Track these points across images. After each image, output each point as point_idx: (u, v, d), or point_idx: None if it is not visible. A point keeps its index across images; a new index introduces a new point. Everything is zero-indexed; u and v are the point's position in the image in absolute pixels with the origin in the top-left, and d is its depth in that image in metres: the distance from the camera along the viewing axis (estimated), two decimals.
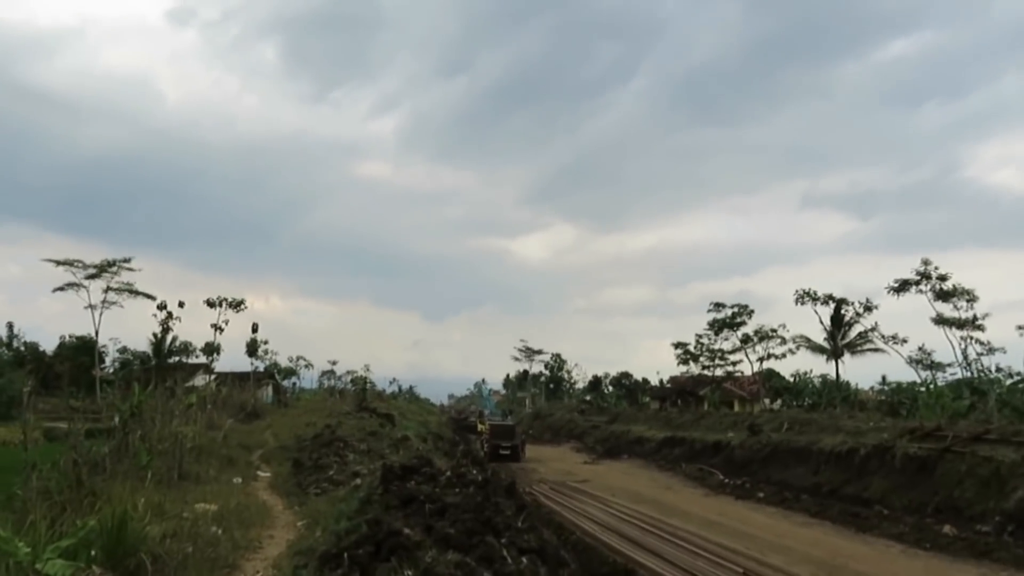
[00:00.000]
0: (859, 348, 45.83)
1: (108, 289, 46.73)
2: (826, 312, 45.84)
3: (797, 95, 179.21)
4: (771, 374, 60.63)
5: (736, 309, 53.56)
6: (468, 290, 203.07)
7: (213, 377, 49.51)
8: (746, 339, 52.65)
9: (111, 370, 57.16)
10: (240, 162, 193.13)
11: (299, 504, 13.74)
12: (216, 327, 53.99)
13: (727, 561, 14.49)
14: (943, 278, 37.44)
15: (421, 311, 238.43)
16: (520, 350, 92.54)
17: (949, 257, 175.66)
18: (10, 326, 62.52)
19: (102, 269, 46.19)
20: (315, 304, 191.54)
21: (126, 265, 46.71)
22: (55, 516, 8.03)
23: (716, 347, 55.33)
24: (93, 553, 6.77)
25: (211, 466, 16.54)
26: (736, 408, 57.65)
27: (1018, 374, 43.31)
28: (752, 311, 53.22)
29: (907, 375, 49.36)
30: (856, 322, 44.90)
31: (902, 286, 38.54)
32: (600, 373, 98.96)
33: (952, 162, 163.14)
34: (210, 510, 10.85)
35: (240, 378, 51.26)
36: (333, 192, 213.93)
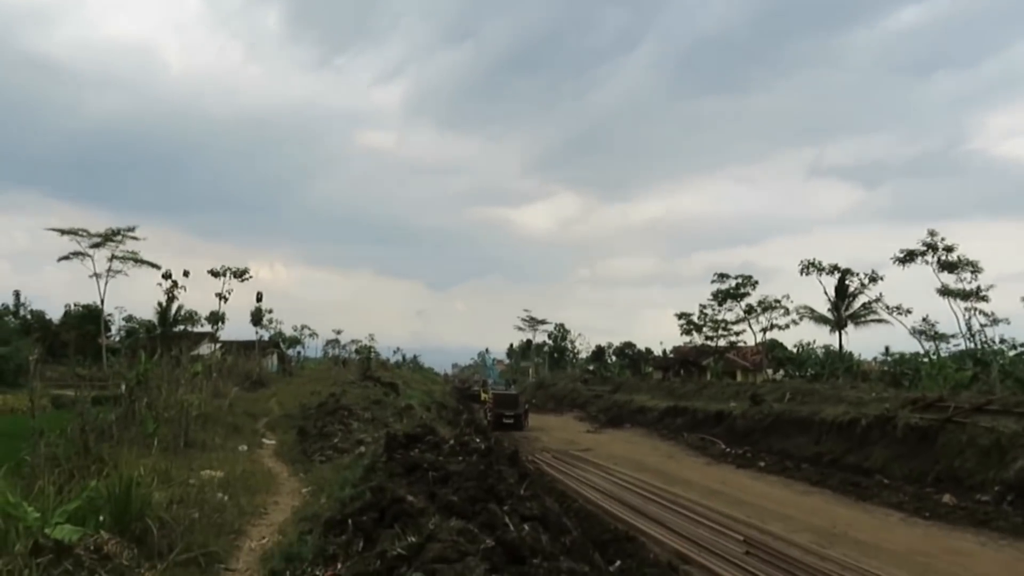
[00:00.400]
0: (863, 319, 45.78)
1: (113, 258, 46.63)
2: (830, 283, 45.77)
3: (806, 63, 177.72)
4: (774, 345, 60.71)
5: (740, 280, 53.52)
6: (472, 260, 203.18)
7: (218, 346, 49.79)
8: (750, 310, 52.68)
9: (117, 339, 57.50)
10: (244, 131, 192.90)
11: (304, 471, 13.87)
12: (221, 296, 54.23)
13: (728, 529, 14.64)
14: (949, 249, 37.27)
15: (425, 281, 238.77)
16: (524, 320, 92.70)
17: (955, 228, 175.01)
18: (16, 294, 62.91)
19: (107, 238, 46.07)
20: (319, 273, 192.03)
21: (130, 234, 46.58)
22: (63, 482, 8.13)
23: (719, 317, 55.32)
24: (101, 518, 6.86)
25: (217, 434, 16.73)
26: (739, 378, 57.77)
27: (1022, 345, 43.33)
28: (756, 282, 53.21)
29: (910, 346, 49.41)
30: (860, 293, 44.80)
31: (908, 256, 38.38)
32: (603, 343, 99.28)
33: (960, 132, 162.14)
34: (216, 477, 10.98)
35: (245, 347, 51.65)
36: (337, 162, 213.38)
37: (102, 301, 49.27)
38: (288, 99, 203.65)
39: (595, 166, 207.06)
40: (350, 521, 6.73)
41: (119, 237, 46.24)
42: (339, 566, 5.78)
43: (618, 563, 11.90)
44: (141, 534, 6.93)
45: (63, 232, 45.51)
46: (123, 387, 14.40)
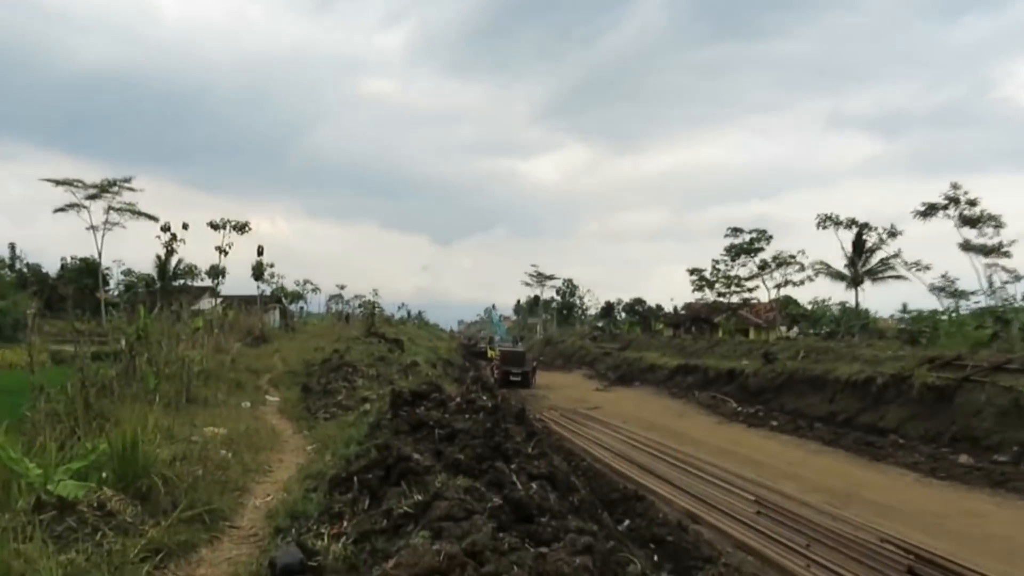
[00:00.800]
0: (880, 275, 45.66)
1: (110, 209, 46.72)
2: (848, 237, 45.58)
3: (826, 7, 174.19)
4: (788, 301, 60.64)
5: (754, 234, 53.24)
6: (478, 213, 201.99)
7: (219, 300, 49.98)
8: (764, 265, 52.54)
9: (115, 293, 57.75)
10: (243, 78, 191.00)
11: (308, 428, 13.99)
12: (221, 250, 54.38)
13: (739, 488, 14.77)
14: (972, 203, 37.02)
15: (430, 234, 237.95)
16: (531, 275, 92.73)
17: (979, 181, 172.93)
18: (12, 247, 63.09)
19: (103, 189, 46.05)
20: (321, 226, 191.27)
21: (127, 185, 46.54)
22: (64, 438, 8.22)
23: (732, 273, 55.21)
24: (104, 475, 6.94)
25: (219, 390, 16.82)
26: (751, 336, 57.89)
27: None
28: (771, 236, 52.89)
29: (929, 303, 49.40)
30: (878, 248, 44.65)
31: (928, 210, 38.15)
32: (613, 299, 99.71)
33: (986, 80, 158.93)
34: (219, 434, 11.07)
35: (246, 302, 51.88)
36: (339, 110, 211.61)
37: (99, 254, 49.64)
38: (288, 44, 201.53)
39: (605, 116, 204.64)
40: (355, 479, 6.80)
41: (115, 188, 46.22)
42: (345, 524, 5.84)
43: (627, 522, 12.05)
44: (145, 491, 7.02)
45: (58, 183, 45.52)
46: (123, 342, 14.46)
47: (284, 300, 71.61)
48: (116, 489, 6.76)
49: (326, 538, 5.47)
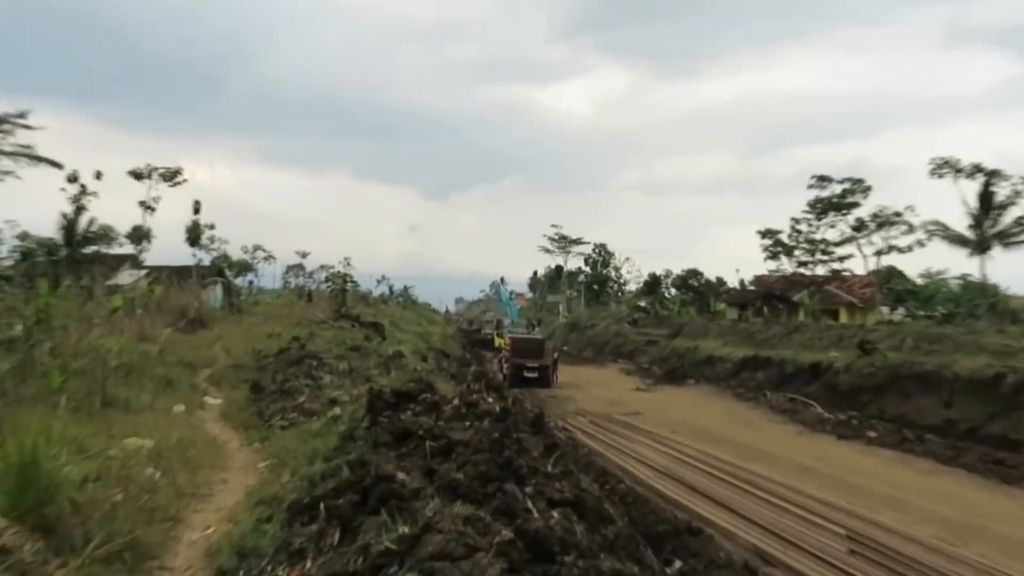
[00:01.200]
0: (1015, 239, 45.35)
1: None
2: (972, 189, 45.26)
3: None
4: (892, 274, 60.54)
5: (847, 185, 53.10)
6: (483, 158, 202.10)
7: (143, 273, 50.09)
8: (859, 226, 52.41)
9: (9, 263, 57.97)
10: None
11: (260, 440, 14.20)
12: (146, 206, 54.48)
13: (825, 519, 14.77)
14: None
15: (420, 186, 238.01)
16: (552, 239, 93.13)
17: None
18: None
19: None
20: (278, 175, 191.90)
21: (20, 121, 46.30)
22: None
23: (818, 236, 55.25)
24: None
25: (144, 390, 16.97)
26: (842, 319, 57.83)
27: None
28: (869, 188, 52.83)
29: None
30: (1013, 204, 44.31)
31: None
32: (659, 270, 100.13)
33: None
34: (144, 446, 11.11)
35: (179, 274, 51.84)
36: (300, 23, 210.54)
37: None
38: None
39: (651, 28, 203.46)
40: (322, 505, 6.85)
41: (6, 126, 46.19)
42: (308, 564, 5.87)
43: (678, 564, 12.08)
44: (50, 521, 7.04)
45: None
46: (18, 328, 14.54)
47: (228, 272, 71.77)
48: (11, 519, 6.77)
49: None
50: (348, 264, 75.06)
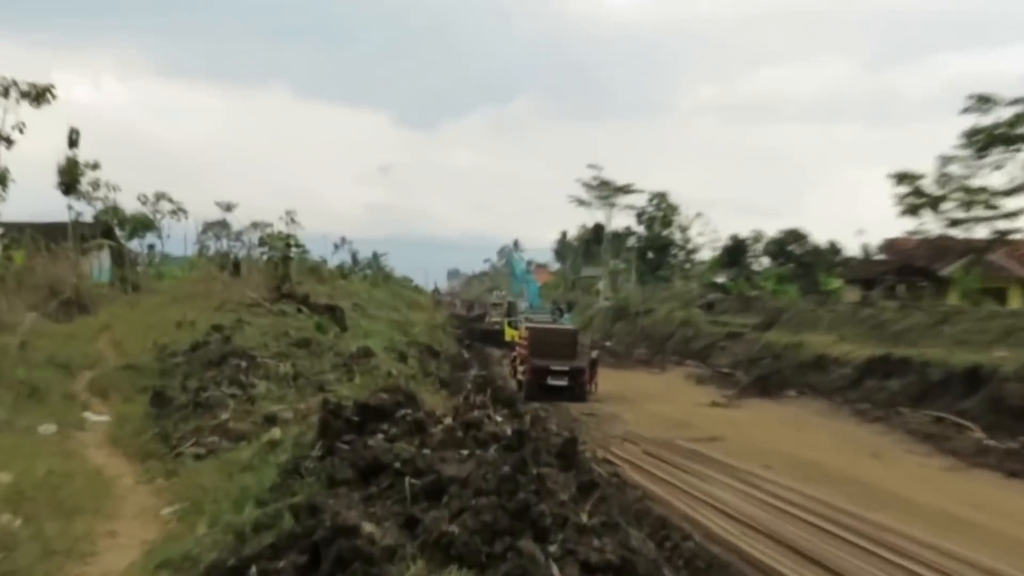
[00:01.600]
0: None
1: None
2: None
3: None
4: None
5: (1020, 108, 44.23)
6: (485, 68, 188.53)
7: None
8: None
9: None
10: None
11: (164, 474, 12.54)
12: (2, 137, 50.31)
13: None
14: None
15: (393, 109, 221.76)
16: (588, 186, 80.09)
17: None
18: None
19: None
20: (189, 94, 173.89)
21: None
22: None
23: (977, 183, 49.11)
24: None
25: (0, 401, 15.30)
26: (1013, 302, 47.80)
27: None
28: None
29: None
30: None
31: None
32: (745, 232, 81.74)
33: None
34: None
35: (49, 235, 47.17)
36: None
37: None
38: None
39: None
40: (254, 570, 6.24)
41: None
42: None
43: None
44: None
45: None
46: None
47: (120, 233, 65.20)
48: None
49: None
50: (292, 221, 63.98)
